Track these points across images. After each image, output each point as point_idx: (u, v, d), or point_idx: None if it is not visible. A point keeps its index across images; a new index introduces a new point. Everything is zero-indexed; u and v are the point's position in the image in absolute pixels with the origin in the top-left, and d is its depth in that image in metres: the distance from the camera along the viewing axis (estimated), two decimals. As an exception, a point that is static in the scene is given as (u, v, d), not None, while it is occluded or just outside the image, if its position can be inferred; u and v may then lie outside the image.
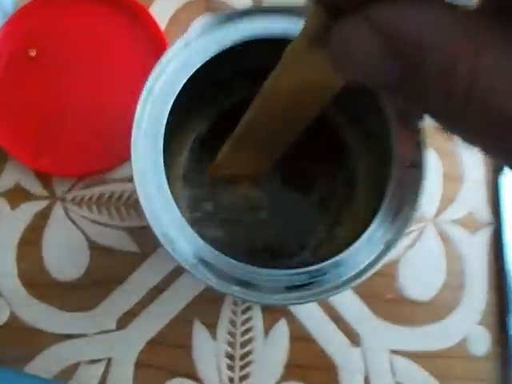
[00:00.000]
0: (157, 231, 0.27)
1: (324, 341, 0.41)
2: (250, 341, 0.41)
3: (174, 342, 0.41)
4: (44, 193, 0.44)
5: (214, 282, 0.26)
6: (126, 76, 0.43)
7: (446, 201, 0.44)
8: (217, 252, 0.27)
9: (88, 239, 0.43)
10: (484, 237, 0.43)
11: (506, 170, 0.43)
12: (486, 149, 0.17)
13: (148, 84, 0.29)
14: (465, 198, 0.44)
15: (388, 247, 0.27)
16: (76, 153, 0.44)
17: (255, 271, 0.26)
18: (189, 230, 0.27)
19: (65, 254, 0.43)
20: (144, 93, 0.29)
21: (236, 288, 0.26)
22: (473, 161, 0.45)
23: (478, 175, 0.44)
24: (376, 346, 0.41)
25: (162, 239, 0.26)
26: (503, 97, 0.15)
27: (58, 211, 0.44)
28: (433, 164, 0.44)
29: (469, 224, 0.43)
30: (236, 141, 0.30)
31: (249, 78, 0.31)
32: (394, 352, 0.41)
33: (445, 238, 0.43)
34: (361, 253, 0.27)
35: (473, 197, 0.44)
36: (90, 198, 0.44)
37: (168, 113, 0.29)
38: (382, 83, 0.17)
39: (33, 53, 0.46)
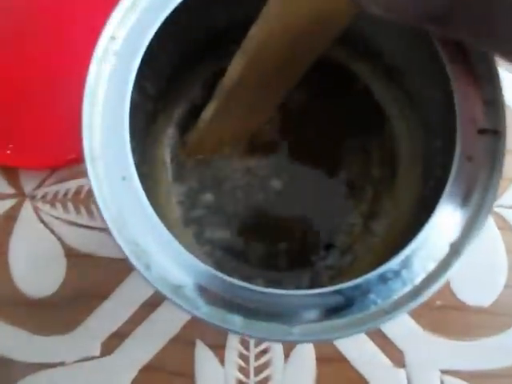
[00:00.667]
0: (120, 240, 0.18)
1: (359, 361, 0.34)
2: (266, 365, 0.34)
3: (172, 369, 0.34)
4: (9, 190, 0.37)
5: (203, 311, 0.18)
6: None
7: (505, 182, 0.37)
8: (207, 267, 0.19)
9: (64, 245, 0.36)
10: (555, 224, 0.35)
11: None
12: None
13: (106, 33, 0.21)
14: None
15: (456, 250, 0.18)
16: (46, 140, 0.37)
17: (262, 293, 0.18)
18: (166, 234, 0.19)
19: (36, 265, 0.36)
20: (100, 46, 0.21)
21: (237, 318, 0.18)
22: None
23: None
24: (424, 365, 0.34)
25: (127, 251, 0.18)
26: None
27: (26, 212, 0.37)
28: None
29: (535, 209, 0.36)
30: (221, 101, 0.25)
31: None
32: (447, 372, 0.34)
33: (505, 228, 0.36)
34: (416, 260, 0.19)
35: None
36: (65, 195, 0.37)
37: (137, 71, 0.21)
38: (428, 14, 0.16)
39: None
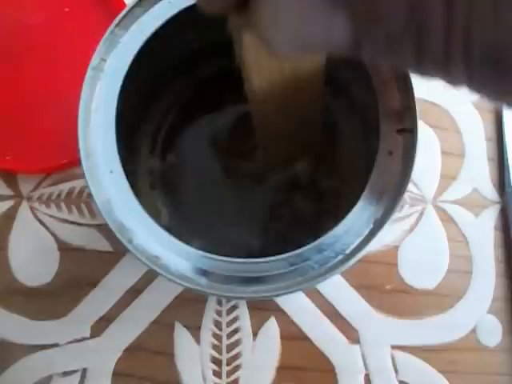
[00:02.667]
0: (108, 221, 0.23)
1: (319, 339, 0.37)
2: (237, 343, 0.37)
3: (154, 349, 0.37)
4: (8, 192, 0.41)
5: (175, 275, 0.22)
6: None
7: (446, 180, 0.41)
8: (177, 241, 0.23)
9: (57, 240, 0.39)
10: (490, 217, 0.40)
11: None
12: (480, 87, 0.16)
13: (97, 54, 0.25)
14: (466, 176, 0.41)
15: (378, 226, 0.23)
16: (40, 146, 0.40)
17: (222, 259, 0.23)
18: (145, 216, 0.23)
19: (33, 258, 0.39)
20: (92, 64, 0.25)
21: (203, 280, 0.22)
22: (473, 134, 0.41)
23: (480, 149, 0.41)
24: (376, 342, 0.37)
25: (114, 228, 0.23)
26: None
27: (24, 211, 0.40)
28: (429, 140, 0.40)
29: (472, 204, 0.40)
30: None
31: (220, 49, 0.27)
32: (396, 348, 0.37)
33: (447, 220, 0.40)
34: (347, 234, 0.23)
35: (475, 174, 0.40)
36: (59, 195, 0.40)
37: (121, 85, 0.25)
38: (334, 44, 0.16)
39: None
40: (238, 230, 0.32)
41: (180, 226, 0.31)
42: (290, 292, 0.22)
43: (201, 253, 0.23)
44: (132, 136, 0.31)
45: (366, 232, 0.24)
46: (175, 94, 0.33)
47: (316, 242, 0.23)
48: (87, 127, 0.25)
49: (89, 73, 0.26)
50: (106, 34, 0.26)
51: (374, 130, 0.25)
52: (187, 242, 0.23)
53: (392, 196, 0.24)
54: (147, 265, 0.23)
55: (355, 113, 0.30)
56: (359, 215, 0.24)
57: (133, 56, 0.26)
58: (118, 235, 0.23)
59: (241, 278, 0.23)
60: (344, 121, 0.32)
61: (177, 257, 0.23)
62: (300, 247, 0.23)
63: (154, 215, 0.24)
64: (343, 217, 0.24)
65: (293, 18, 0.15)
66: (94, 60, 0.26)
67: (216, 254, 0.23)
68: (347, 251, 0.23)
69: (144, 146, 0.33)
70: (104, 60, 0.26)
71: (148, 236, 0.23)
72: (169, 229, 0.24)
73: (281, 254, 0.23)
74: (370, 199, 0.24)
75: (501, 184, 0.40)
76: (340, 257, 0.23)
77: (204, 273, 0.23)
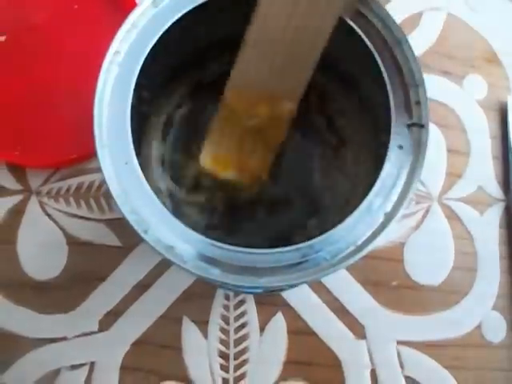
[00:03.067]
0: (124, 211, 0.23)
1: (325, 334, 0.38)
2: (244, 338, 0.38)
3: (161, 343, 0.38)
4: (17, 187, 0.41)
5: (189, 264, 0.22)
6: (101, 57, 0.40)
7: (452, 178, 0.41)
8: (193, 231, 0.23)
9: (66, 234, 0.40)
10: (495, 214, 0.40)
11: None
12: None
13: (112, 49, 0.26)
14: (472, 174, 0.41)
15: (388, 219, 0.24)
16: (50, 142, 0.41)
17: (235, 250, 0.23)
18: (160, 206, 0.23)
19: (42, 252, 0.40)
20: (107, 59, 0.26)
21: (215, 271, 0.23)
22: (478, 132, 0.41)
23: (485, 148, 0.41)
24: (382, 337, 0.38)
25: (130, 219, 0.23)
26: None
27: (33, 206, 0.41)
28: (435, 139, 0.41)
29: (477, 201, 0.40)
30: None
31: (228, 45, 0.28)
32: (402, 343, 0.38)
33: (452, 217, 0.40)
34: (357, 227, 0.24)
35: (480, 172, 0.41)
36: (68, 190, 0.41)
37: (136, 79, 0.26)
38: None
39: (2, 38, 0.42)
40: (250, 221, 0.32)
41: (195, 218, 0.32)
42: (302, 282, 0.23)
43: (214, 243, 0.23)
44: (144, 129, 0.31)
45: (377, 224, 0.24)
46: (188, 86, 0.33)
47: (327, 234, 0.24)
48: (102, 119, 0.25)
49: (104, 65, 0.26)
50: (122, 28, 0.26)
51: (385, 126, 0.26)
52: (201, 233, 0.24)
53: (402, 190, 0.24)
54: (162, 255, 0.23)
55: (366, 109, 0.31)
56: (370, 208, 0.24)
57: (148, 50, 0.26)
58: (135, 226, 0.23)
59: (253, 269, 0.23)
60: (355, 117, 0.32)
61: (191, 247, 0.23)
62: (312, 239, 0.23)
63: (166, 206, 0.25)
64: (354, 209, 0.24)
65: None
66: (110, 53, 0.26)
67: (229, 244, 0.23)
68: (358, 243, 0.24)
69: (155, 139, 0.33)
70: (119, 53, 0.26)
71: (163, 226, 0.24)
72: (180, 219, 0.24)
73: (292, 245, 0.23)
74: (381, 193, 0.24)
75: (505, 182, 0.40)
76: (351, 248, 0.24)
77: (217, 263, 0.23)
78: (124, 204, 0.24)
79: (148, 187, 0.24)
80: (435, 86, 0.42)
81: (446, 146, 0.41)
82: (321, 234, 0.24)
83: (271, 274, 0.23)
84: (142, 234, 0.23)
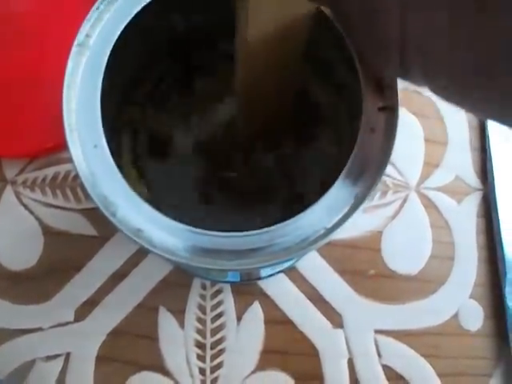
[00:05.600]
0: (92, 194, 0.23)
1: (303, 323, 0.38)
2: (221, 327, 0.38)
3: (138, 333, 0.37)
4: (-8, 177, 0.40)
5: (158, 248, 0.22)
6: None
7: (429, 167, 0.41)
8: (162, 215, 0.23)
9: (42, 224, 0.39)
10: (472, 204, 0.40)
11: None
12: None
13: (82, 32, 0.25)
14: (449, 164, 0.41)
15: (359, 202, 0.23)
16: (25, 131, 0.40)
17: (204, 233, 0.23)
18: (128, 190, 0.23)
19: (17, 242, 0.39)
20: (77, 42, 0.25)
21: (185, 253, 0.22)
22: (456, 122, 0.41)
23: (462, 137, 0.41)
24: (359, 326, 0.38)
25: (98, 202, 0.23)
26: None
27: (8, 196, 0.40)
28: (413, 128, 0.41)
29: (455, 191, 0.40)
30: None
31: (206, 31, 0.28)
32: (380, 332, 0.38)
33: (430, 206, 0.40)
34: (327, 210, 0.24)
35: (458, 161, 0.41)
36: (44, 180, 0.40)
37: (106, 63, 0.25)
38: None
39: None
40: (220, 206, 0.32)
41: (163, 202, 0.31)
42: (272, 264, 0.23)
43: (183, 226, 0.23)
44: (117, 116, 0.31)
45: (347, 208, 0.24)
46: (162, 74, 0.33)
47: (296, 217, 0.23)
48: (72, 102, 0.25)
49: (74, 48, 0.26)
50: (92, 10, 0.26)
51: (357, 109, 0.26)
52: (170, 217, 0.24)
53: (373, 172, 0.24)
54: (130, 237, 0.23)
55: (338, 93, 0.30)
56: (340, 191, 0.24)
57: (119, 32, 0.26)
58: (102, 208, 0.23)
59: (223, 252, 0.23)
60: (327, 101, 0.32)
61: (160, 230, 0.23)
62: (281, 222, 0.23)
63: (137, 191, 0.24)
64: (324, 193, 0.24)
65: None
66: (80, 36, 0.26)
67: (199, 228, 0.23)
68: (328, 226, 0.23)
69: (128, 125, 0.33)
70: (89, 36, 0.26)
71: (131, 210, 0.23)
72: (152, 204, 0.24)
73: (262, 228, 0.23)
74: (352, 175, 0.24)
75: (483, 171, 0.40)
76: (320, 232, 0.23)
77: (186, 246, 0.23)
78: (92, 187, 0.24)
79: (117, 170, 0.24)
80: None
81: (423, 136, 0.41)
82: (290, 217, 0.23)
83: (240, 257, 0.23)
84: (110, 217, 0.23)
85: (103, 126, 0.25)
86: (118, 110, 0.31)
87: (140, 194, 0.24)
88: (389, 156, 0.24)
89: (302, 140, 0.33)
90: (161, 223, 0.23)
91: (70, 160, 0.24)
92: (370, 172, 0.24)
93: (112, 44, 0.26)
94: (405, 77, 0.21)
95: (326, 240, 0.23)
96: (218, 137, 0.33)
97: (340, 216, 0.23)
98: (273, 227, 0.23)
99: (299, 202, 0.31)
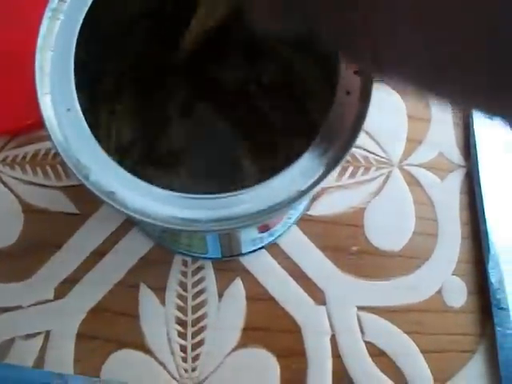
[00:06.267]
0: (65, 157, 0.23)
1: (285, 300, 0.37)
2: (202, 304, 0.37)
3: (118, 310, 0.37)
4: (-29, 155, 0.39)
5: (131, 210, 0.22)
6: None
7: (413, 143, 0.41)
8: (135, 177, 0.23)
9: (22, 202, 0.39)
10: (455, 180, 0.40)
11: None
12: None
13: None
14: (432, 140, 0.41)
15: (334, 164, 0.23)
16: (4, 108, 0.40)
17: (178, 195, 0.22)
18: (102, 154, 0.23)
19: (-4, 220, 0.38)
20: (51, 6, 0.25)
21: (158, 216, 0.22)
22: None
23: (445, 114, 0.41)
24: (342, 302, 0.37)
25: (70, 165, 0.22)
26: None
27: (-13, 174, 0.39)
28: (395, 104, 0.41)
29: (438, 167, 0.40)
30: None
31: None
32: (363, 309, 0.37)
33: (413, 183, 0.40)
34: (302, 172, 0.23)
35: (441, 138, 0.41)
36: (24, 158, 0.40)
37: (80, 28, 0.25)
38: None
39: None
40: (197, 167, 0.32)
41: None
42: (248, 225, 0.22)
43: (157, 189, 0.23)
44: (93, 84, 0.31)
45: (321, 170, 0.24)
46: (140, 41, 0.33)
47: (271, 180, 0.23)
48: (45, 66, 0.24)
49: (47, 13, 0.25)
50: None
51: (334, 73, 0.25)
52: (144, 179, 0.23)
53: (348, 135, 0.24)
54: (103, 200, 0.22)
55: (315, 57, 0.30)
56: (314, 154, 0.24)
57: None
58: (75, 171, 0.23)
59: (198, 213, 0.23)
60: (304, 65, 0.32)
61: (133, 192, 0.23)
62: (257, 184, 0.23)
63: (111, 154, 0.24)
64: (298, 155, 0.24)
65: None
66: (53, 1, 0.25)
67: (174, 190, 0.23)
68: (302, 188, 0.23)
69: (105, 92, 0.32)
70: (63, 1, 0.26)
71: (104, 172, 0.23)
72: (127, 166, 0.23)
73: (235, 191, 0.23)
74: (326, 139, 0.24)
75: (466, 148, 0.40)
76: (295, 193, 0.23)
77: (160, 208, 0.23)
78: (65, 150, 0.23)
79: (90, 133, 0.24)
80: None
81: (406, 112, 0.41)
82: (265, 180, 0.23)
83: (214, 219, 0.23)
84: (83, 180, 0.23)
85: (77, 91, 0.24)
86: (94, 80, 0.30)
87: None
88: (363, 119, 0.24)
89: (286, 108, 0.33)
90: (134, 186, 0.23)
91: (51, 149, 0.23)
92: (345, 135, 0.24)
93: (86, 9, 0.26)
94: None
95: (299, 201, 0.22)
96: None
97: (314, 179, 0.23)
98: (248, 189, 0.23)
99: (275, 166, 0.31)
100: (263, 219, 0.22)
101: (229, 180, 0.31)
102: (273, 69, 0.33)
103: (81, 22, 0.26)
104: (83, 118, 0.24)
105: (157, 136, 0.33)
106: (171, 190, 0.23)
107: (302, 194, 0.23)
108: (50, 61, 0.25)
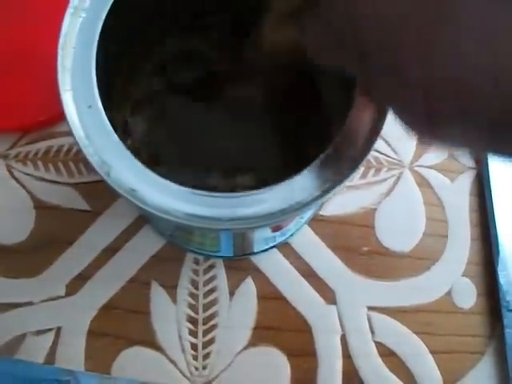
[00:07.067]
0: (86, 153, 0.23)
1: (296, 299, 0.37)
2: (213, 302, 0.37)
3: (130, 307, 0.37)
4: (-16, 151, 0.39)
5: (151, 206, 0.22)
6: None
7: (423, 145, 0.41)
8: (156, 175, 0.23)
9: (33, 198, 0.39)
10: (465, 182, 0.40)
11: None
12: None
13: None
14: (443, 142, 0.40)
15: (354, 165, 0.23)
16: (18, 104, 0.40)
17: (198, 193, 0.23)
18: (123, 149, 0.23)
19: (8, 216, 0.39)
20: (73, 4, 0.25)
21: (180, 213, 0.22)
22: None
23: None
24: (353, 302, 0.38)
25: (92, 161, 0.23)
26: None
27: (0, 170, 0.40)
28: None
29: (448, 169, 0.41)
30: None
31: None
32: (372, 309, 0.37)
33: (423, 184, 0.40)
34: (323, 173, 0.23)
35: (452, 140, 0.40)
36: (36, 154, 0.40)
37: (102, 25, 0.25)
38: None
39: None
40: (215, 168, 0.32)
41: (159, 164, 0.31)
42: (266, 224, 0.23)
43: (177, 186, 0.23)
44: (112, 81, 0.31)
45: (340, 173, 0.24)
46: (159, 38, 0.33)
47: (289, 180, 0.23)
48: (67, 62, 0.25)
49: (69, 10, 0.25)
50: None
51: (352, 84, 0.25)
52: (164, 177, 0.23)
53: (366, 140, 0.24)
54: (124, 196, 0.22)
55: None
56: (333, 157, 0.24)
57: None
58: (97, 168, 0.23)
59: (218, 211, 0.23)
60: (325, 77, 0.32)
61: (153, 189, 0.23)
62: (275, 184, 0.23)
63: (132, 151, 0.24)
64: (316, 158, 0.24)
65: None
66: (74, -1, 0.25)
67: (193, 188, 0.23)
68: (324, 187, 0.23)
69: (123, 89, 0.32)
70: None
71: (125, 170, 0.23)
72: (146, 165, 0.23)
73: (255, 190, 0.23)
74: (345, 141, 0.24)
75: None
76: (316, 193, 0.23)
77: (180, 205, 0.23)
78: (86, 147, 0.23)
79: (111, 130, 0.24)
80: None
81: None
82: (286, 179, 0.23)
83: (233, 217, 0.23)
84: (105, 176, 0.23)
85: (98, 87, 0.24)
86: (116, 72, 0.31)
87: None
88: (381, 125, 0.24)
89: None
90: (155, 183, 0.23)
91: (64, 120, 0.24)
92: (363, 140, 0.24)
93: (108, 7, 0.26)
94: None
95: (322, 201, 0.23)
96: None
97: (334, 180, 0.23)
98: (266, 188, 0.23)
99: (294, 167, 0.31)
100: (283, 218, 0.23)
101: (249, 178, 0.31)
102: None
103: (103, 19, 0.26)
104: (104, 115, 0.24)
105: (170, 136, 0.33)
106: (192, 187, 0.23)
107: (323, 194, 0.23)
108: (71, 58, 0.25)
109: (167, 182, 0.23)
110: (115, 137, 0.24)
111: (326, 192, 0.23)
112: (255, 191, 0.23)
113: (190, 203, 0.23)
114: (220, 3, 0.31)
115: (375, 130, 0.24)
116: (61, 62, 0.24)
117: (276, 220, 0.22)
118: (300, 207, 0.23)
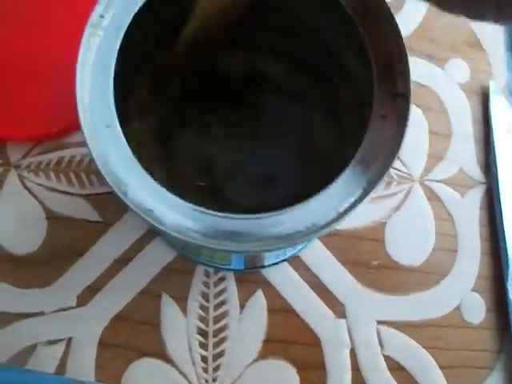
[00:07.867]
0: (104, 172, 0.23)
1: (305, 313, 0.38)
2: (224, 315, 0.37)
3: (140, 319, 0.37)
4: (-3, 160, 0.40)
5: (169, 227, 0.22)
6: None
7: (434, 159, 0.41)
8: (174, 195, 0.23)
9: (45, 209, 0.39)
10: (476, 196, 0.40)
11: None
12: None
13: (96, 12, 0.25)
14: (453, 156, 0.41)
15: (371, 186, 0.23)
16: (31, 114, 0.40)
17: (215, 214, 0.23)
18: (140, 169, 0.23)
19: (20, 226, 0.39)
20: (91, 22, 0.25)
21: (196, 234, 0.22)
22: (460, 115, 0.41)
23: (467, 130, 0.41)
24: (362, 316, 0.38)
25: (109, 180, 0.23)
26: None
27: (12, 179, 0.40)
28: (417, 120, 0.41)
29: (459, 183, 0.41)
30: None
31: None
32: (382, 323, 0.38)
33: (433, 198, 0.40)
34: (339, 195, 0.23)
35: (462, 154, 0.41)
36: (48, 164, 0.40)
37: (120, 44, 0.25)
38: None
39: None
40: (231, 187, 0.32)
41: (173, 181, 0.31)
42: (283, 247, 0.23)
43: (194, 207, 0.23)
44: (126, 97, 0.31)
45: (358, 193, 0.24)
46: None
47: (308, 201, 0.23)
48: (85, 82, 0.25)
49: (87, 29, 0.25)
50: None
51: (368, 98, 0.26)
52: (181, 197, 0.23)
53: (385, 158, 0.24)
54: (141, 217, 0.23)
55: (347, 80, 0.31)
56: (351, 177, 0.24)
57: (133, 13, 0.26)
58: (114, 187, 0.23)
59: (234, 233, 0.23)
60: (337, 89, 0.32)
61: (170, 210, 0.23)
62: (293, 204, 0.23)
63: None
64: (335, 178, 0.24)
65: None
66: (93, 17, 0.26)
67: (208, 208, 0.23)
68: (339, 210, 0.23)
69: (137, 106, 0.32)
70: (103, 17, 0.26)
71: (143, 190, 0.23)
72: (162, 184, 0.24)
73: (274, 210, 0.23)
74: (363, 162, 0.24)
75: (487, 165, 0.41)
76: (331, 216, 0.23)
77: (197, 226, 0.23)
78: (104, 165, 0.23)
79: (129, 150, 0.24)
80: (418, 69, 0.42)
81: (427, 128, 0.41)
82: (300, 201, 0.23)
83: (250, 239, 0.23)
84: (122, 196, 0.23)
85: (116, 107, 0.25)
86: (127, 92, 0.31)
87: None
88: (400, 142, 0.24)
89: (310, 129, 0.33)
90: (173, 204, 0.23)
91: (82, 140, 0.24)
92: (382, 158, 0.24)
93: (126, 26, 0.26)
94: None
95: (336, 225, 0.23)
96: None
97: (351, 201, 0.23)
98: (284, 210, 0.23)
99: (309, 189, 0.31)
100: (301, 240, 0.23)
101: (265, 197, 0.31)
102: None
103: (121, 37, 0.26)
104: (122, 135, 0.24)
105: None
106: (211, 208, 0.23)
107: (341, 216, 0.23)
108: (89, 77, 0.25)
109: (184, 203, 0.23)
110: (132, 157, 0.24)
111: (343, 214, 0.23)
112: (274, 213, 0.23)
113: (207, 224, 0.23)
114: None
115: (393, 150, 0.24)
116: (79, 82, 0.25)
117: (292, 242, 0.23)
118: (317, 230, 0.23)
